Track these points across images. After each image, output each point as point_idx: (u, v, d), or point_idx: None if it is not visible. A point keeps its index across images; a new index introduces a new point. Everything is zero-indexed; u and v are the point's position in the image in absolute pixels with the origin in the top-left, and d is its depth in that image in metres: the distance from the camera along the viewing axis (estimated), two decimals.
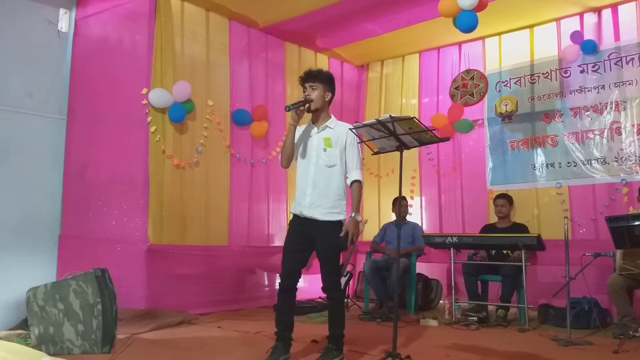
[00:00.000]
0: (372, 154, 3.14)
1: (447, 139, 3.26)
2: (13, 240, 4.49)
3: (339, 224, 2.99)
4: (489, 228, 5.16)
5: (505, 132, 5.78)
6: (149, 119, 4.68)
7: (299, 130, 3.09)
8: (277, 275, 3.45)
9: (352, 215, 2.95)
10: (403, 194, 5.90)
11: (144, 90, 4.67)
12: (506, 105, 5.80)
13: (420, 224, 5.89)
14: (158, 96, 4.68)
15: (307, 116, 3.09)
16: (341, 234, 2.92)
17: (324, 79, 3.04)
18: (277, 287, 3.03)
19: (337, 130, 3.05)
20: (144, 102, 4.67)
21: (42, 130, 4.81)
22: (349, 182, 3.04)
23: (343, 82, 6.75)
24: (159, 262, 4.49)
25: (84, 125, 4.91)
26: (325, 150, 3.00)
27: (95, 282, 3.30)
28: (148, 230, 4.55)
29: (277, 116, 5.83)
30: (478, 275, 4.84)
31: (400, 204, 3.26)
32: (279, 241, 5.83)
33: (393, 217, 5.92)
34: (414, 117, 2.83)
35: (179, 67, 4.97)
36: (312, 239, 2.97)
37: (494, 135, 5.85)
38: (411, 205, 6.06)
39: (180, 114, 4.82)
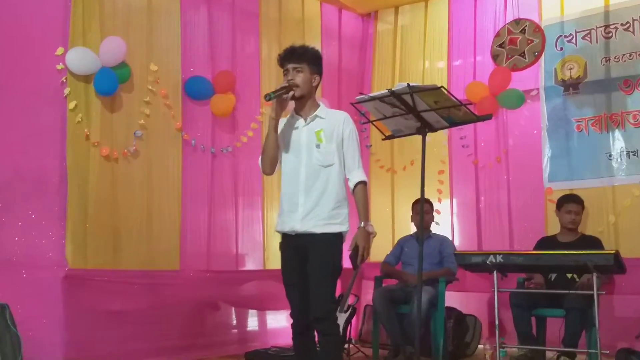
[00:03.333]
0: (383, 139, 3.17)
1: (488, 117, 3.27)
2: None
3: (338, 237, 3.18)
4: (547, 242, 5.18)
5: (570, 107, 5.81)
6: (66, 90, 4.68)
7: (280, 124, 3.27)
8: (285, 314, 3.55)
9: (361, 225, 3.13)
10: (427, 196, 5.89)
11: (59, 51, 4.66)
12: (571, 69, 5.82)
13: (450, 238, 5.90)
14: (79, 58, 4.67)
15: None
16: (349, 250, 3.11)
17: (311, 58, 3.23)
18: (290, 329, 3.21)
19: (331, 119, 3.23)
20: (59, 66, 4.66)
21: None
22: (350, 184, 3.24)
23: (341, 38, 6.76)
24: (82, 294, 4.47)
25: None
26: (318, 146, 3.18)
27: None
28: (66, 249, 4.52)
29: (248, 86, 5.82)
30: (532, 308, 4.86)
31: (422, 210, 3.27)
32: (253, 264, 5.83)
33: (412, 228, 5.92)
34: (442, 87, 2.84)
35: (109, 17, 4.95)
36: (308, 257, 3.16)
37: (554, 111, 5.88)
38: (438, 212, 6.08)
39: (110, 83, 4.81)
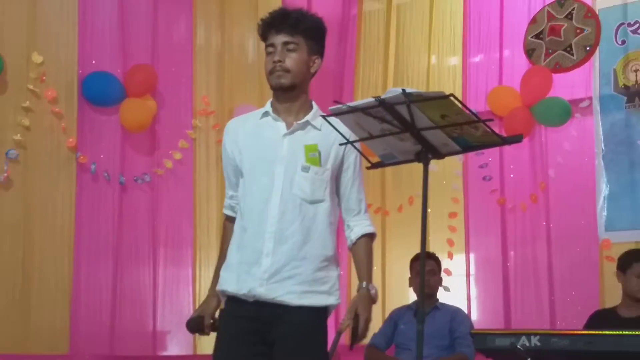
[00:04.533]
0: (369, 168, 3.17)
1: (517, 140, 3.29)
2: None
3: (323, 313, 3.04)
4: (604, 318, 5.20)
5: (636, 124, 5.89)
6: None
7: (238, 125, 3.21)
8: None
9: (363, 285, 3.07)
10: (432, 249, 5.98)
11: None
12: (636, 71, 5.92)
13: (465, 310, 5.92)
14: None
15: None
16: (344, 322, 3.00)
17: (311, 29, 3.12)
18: None
19: (327, 132, 3.09)
20: None
21: None
22: (351, 236, 3.16)
23: None
24: None
25: None
26: (306, 169, 3.06)
27: None
28: None
29: (176, 87, 5.92)
30: None
31: (424, 269, 3.28)
32: (177, 346, 5.81)
33: (411, 295, 5.94)
34: (451, 95, 2.87)
35: None
36: (271, 346, 3.00)
37: (613, 130, 5.95)
38: (448, 272, 6.12)
39: None
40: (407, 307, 5.70)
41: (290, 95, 3.10)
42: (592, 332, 4.98)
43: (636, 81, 5.89)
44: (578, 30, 6.01)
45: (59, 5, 5.42)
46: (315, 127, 3.12)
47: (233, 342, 3.03)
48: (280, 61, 3.03)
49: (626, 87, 5.93)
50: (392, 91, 2.87)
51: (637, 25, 5.93)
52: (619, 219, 5.86)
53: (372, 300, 3.05)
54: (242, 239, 3.08)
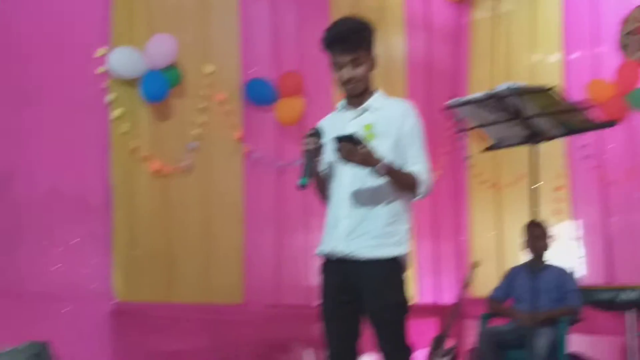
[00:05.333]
0: (484, 151, 3.20)
1: (610, 125, 3.29)
2: None
3: (395, 263, 3.05)
4: None
5: None
6: (110, 97, 4.90)
7: (327, 121, 3.22)
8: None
9: (383, 160, 2.94)
10: (541, 218, 5.86)
11: (100, 52, 4.87)
12: None
13: (571, 269, 5.88)
14: (123, 59, 4.89)
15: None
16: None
17: (367, 39, 3.11)
18: None
19: (386, 110, 3.10)
20: (100, 69, 4.88)
21: None
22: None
23: (430, 29, 6.75)
24: (132, 332, 4.66)
25: (6, 110, 5.05)
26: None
27: None
28: (112, 280, 4.73)
29: (320, 88, 5.93)
30: None
31: (534, 235, 3.27)
32: None
33: (524, 257, 5.86)
34: (553, 88, 2.88)
35: (157, 12, 5.17)
36: (358, 293, 3.05)
37: None
38: (555, 237, 6.05)
39: (159, 87, 5.02)
40: (522, 266, 5.63)
41: (359, 96, 3.12)
42: None
43: None
44: None
45: (223, 24, 5.55)
46: (374, 109, 3.11)
47: (328, 292, 3.14)
48: (351, 78, 3.05)
49: None
50: (501, 86, 2.90)
51: None
52: None
53: (371, 163, 2.88)
54: (329, 209, 3.16)
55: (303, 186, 2.95)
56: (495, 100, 2.89)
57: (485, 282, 5.96)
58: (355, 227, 3.03)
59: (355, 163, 2.90)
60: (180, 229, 5.19)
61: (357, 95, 3.12)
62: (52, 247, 4.79)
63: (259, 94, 5.66)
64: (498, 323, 5.47)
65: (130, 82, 4.98)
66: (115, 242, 4.84)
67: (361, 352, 3.14)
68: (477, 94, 2.98)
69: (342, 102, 3.22)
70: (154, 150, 5.09)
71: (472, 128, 3.10)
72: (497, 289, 5.63)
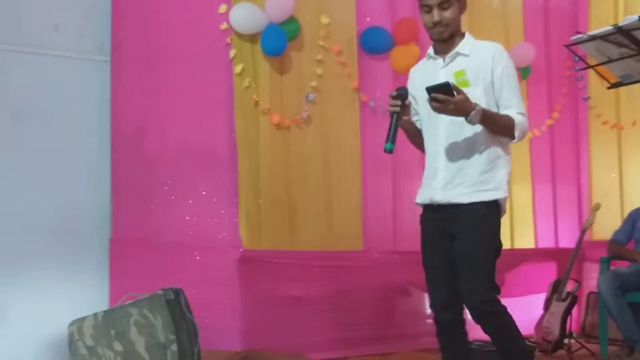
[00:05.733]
0: (608, 87, 3.12)
1: None
2: (42, 248, 5.06)
3: (493, 206, 3.04)
4: None
5: None
6: (232, 52, 5.00)
7: (415, 73, 3.23)
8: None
9: (478, 107, 2.90)
10: None
11: (222, 8, 4.97)
12: None
13: None
14: (244, 15, 4.95)
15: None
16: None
17: None
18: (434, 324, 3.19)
19: (477, 55, 3.07)
20: (223, 26, 4.97)
21: (75, 78, 5.34)
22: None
23: None
24: (259, 278, 4.81)
25: (136, 69, 5.35)
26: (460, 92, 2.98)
27: (166, 311, 3.65)
28: (239, 229, 4.87)
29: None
30: None
31: None
32: None
33: None
34: None
35: None
36: (455, 236, 3.08)
37: None
38: None
39: (279, 41, 5.07)
40: None
41: (447, 41, 3.08)
42: None
43: None
44: None
45: None
46: (464, 55, 3.07)
47: (428, 239, 3.18)
48: (439, 21, 3.00)
49: None
50: (629, 19, 2.79)
51: None
52: None
53: (467, 110, 2.85)
54: (426, 160, 3.18)
55: (389, 151, 3.00)
56: (622, 34, 2.79)
57: (607, 225, 5.88)
58: (452, 177, 3.05)
59: (449, 113, 2.88)
60: (301, 179, 5.27)
61: (445, 40, 3.07)
62: (183, 199, 4.99)
63: (374, 43, 5.62)
64: (619, 266, 5.38)
65: (251, 38, 5.05)
66: (241, 193, 4.94)
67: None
68: (602, 28, 2.88)
69: (431, 49, 3.18)
70: (274, 103, 5.15)
71: (596, 65, 3.00)
72: (618, 232, 5.54)
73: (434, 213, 3.14)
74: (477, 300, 3.00)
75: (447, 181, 3.05)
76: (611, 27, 2.82)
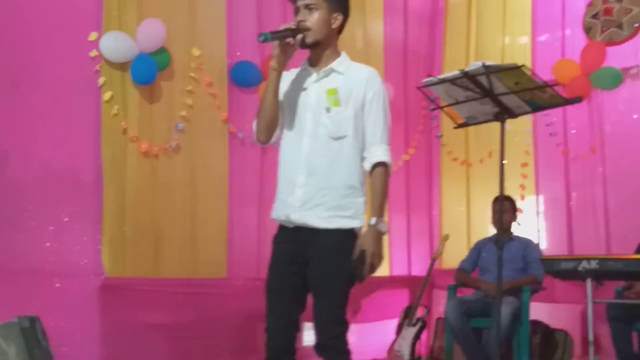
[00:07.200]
0: (455, 127, 3.12)
1: (577, 100, 3.21)
2: None
3: (349, 235, 2.81)
4: None
5: None
6: (101, 80, 4.81)
7: (285, 78, 2.92)
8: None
9: (371, 222, 2.78)
10: (508, 193, 5.85)
11: (92, 36, 4.78)
12: None
13: (535, 241, 5.81)
14: (114, 44, 4.79)
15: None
16: (354, 256, 2.73)
17: None
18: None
19: (351, 76, 2.87)
20: (93, 53, 4.79)
21: None
22: (367, 164, 2.86)
23: (407, 13, 6.71)
24: (120, 306, 4.60)
25: (1, 92, 4.90)
26: (328, 109, 2.83)
27: (20, 339, 3.44)
28: (102, 256, 4.66)
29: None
30: (633, 322, 4.77)
31: (502, 209, 3.20)
32: None
33: (491, 229, 5.84)
34: (523, 66, 2.78)
35: None
36: (307, 263, 2.82)
37: None
38: (520, 211, 5.97)
39: (148, 71, 4.92)
40: (488, 239, 5.66)
41: (317, 51, 2.87)
42: None
43: None
44: (627, 11, 5.81)
45: (210, 9, 5.44)
46: (338, 73, 2.87)
47: (277, 262, 2.90)
48: (302, 21, 2.81)
49: None
50: (474, 64, 2.81)
51: None
52: None
53: (380, 234, 2.76)
54: (282, 172, 2.92)
55: (263, 38, 2.74)
56: (467, 79, 2.79)
57: (455, 255, 5.96)
58: (311, 197, 2.79)
59: (379, 261, 2.76)
60: (167, 207, 5.13)
61: (310, 46, 2.85)
62: (44, 225, 4.71)
63: (243, 77, 5.57)
64: (466, 293, 5.47)
65: (121, 66, 4.91)
66: (105, 220, 4.77)
67: (301, 327, 2.92)
68: (450, 72, 2.87)
69: (305, 62, 2.95)
70: (143, 131, 5.01)
71: (445, 106, 2.99)
72: (464, 261, 5.65)
73: (288, 235, 2.88)
74: (325, 333, 2.79)
75: (305, 200, 2.80)
76: (458, 72, 2.83)
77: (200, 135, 5.30)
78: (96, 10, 4.82)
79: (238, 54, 5.55)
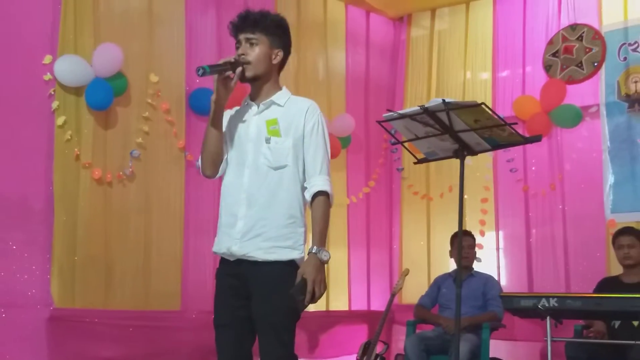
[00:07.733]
0: (415, 163, 3.15)
1: (536, 139, 3.25)
2: None
3: (290, 267, 2.80)
4: (609, 284, 5.11)
5: (635, 126, 5.78)
6: (54, 104, 4.77)
7: (227, 114, 2.98)
8: None
9: (312, 249, 2.78)
10: (468, 228, 5.92)
11: (47, 59, 4.75)
12: (636, 82, 5.80)
13: (495, 277, 5.86)
14: (69, 68, 4.76)
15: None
16: (296, 282, 2.72)
17: (271, 27, 2.93)
18: None
19: (290, 108, 2.92)
20: (46, 76, 4.76)
21: None
22: (307, 195, 2.87)
23: (369, 45, 6.78)
24: (70, 338, 4.54)
25: None
26: (267, 140, 2.86)
27: None
28: (51, 286, 4.58)
29: None
30: None
31: (461, 245, 3.24)
32: None
33: (451, 265, 5.90)
34: (483, 104, 2.83)
35: (104, 22, 5.03)
36: (250, 296, 2.81)
37: (617, 131, 5.85)
38: (480, 246, 6.04)
39: (104, 96, 4.89)
40: (448, 274, 5.69)
41: (257, 85, 2.91)
42: (600, 295, 4.88)
43: (636, 90, 5.82)
44: (587, 50, 5.97)
45: (169, 35, 5.45)
46: (278, 105, 2.90)
47: (221, 296, 2.91)
48: (243, 54, 2.84)
49: (627, 95, 5.86)
50: (434, 101, 2.84)
51: (636, 44, 5.86)
52: (622, 203, 5.78)
53: (321, 263, 2.74)
54: (223, 206, 2.93)
55: (202, 72, 2.76)
56: (427, 115, 2.83)
57: (414, 290, 5.96)
58: (251, 227, 2.79)
59: (322, 287, 2.73)
60: (120, 236, 5.07)
61: (250, 80, 2.88)
62: None
63: (202, 104, 5.48)
64: (425, 329, 5.46)
65: (76, 90, 4.88)
66: (55, 248, 4.69)
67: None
68: (410, 108, 2.91)
69: (247, 97, 2.98)
70: (96, 157, 4.96)
71: (405, 141, 3.02)
72: (424, 296, 5.67)
73: (229, 268, 2.87)
74: None
75: (246, 230, 2.80)
76: (418, 108, 2.86)
77: (156, 162, 5.27)
78: (51, 32, 4.80)
79: (197, 80, 5.51)
